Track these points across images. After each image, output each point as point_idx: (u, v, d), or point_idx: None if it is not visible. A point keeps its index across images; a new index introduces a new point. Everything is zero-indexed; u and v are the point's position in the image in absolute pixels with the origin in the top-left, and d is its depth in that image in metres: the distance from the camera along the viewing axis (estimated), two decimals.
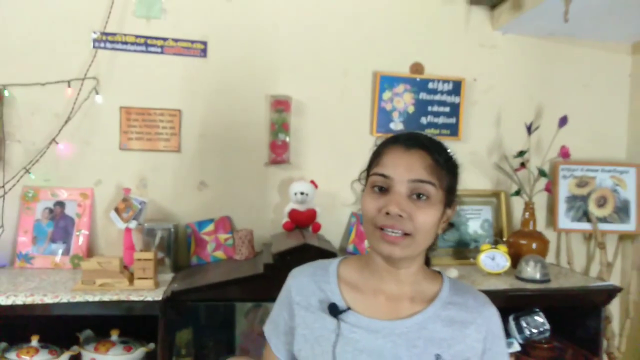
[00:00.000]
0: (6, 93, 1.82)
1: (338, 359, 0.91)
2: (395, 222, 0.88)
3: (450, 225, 0.99)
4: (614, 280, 2.22)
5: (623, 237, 2.26)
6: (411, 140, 0.93)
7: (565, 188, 2.20)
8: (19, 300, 1.46)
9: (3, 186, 1.81)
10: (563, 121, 2.06)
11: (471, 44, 2.14)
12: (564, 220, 2.19)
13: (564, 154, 2.08)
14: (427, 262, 1.02)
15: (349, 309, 0.95)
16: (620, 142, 2.29)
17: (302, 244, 1.63)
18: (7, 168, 1.82)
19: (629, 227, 2.18)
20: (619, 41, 2.24)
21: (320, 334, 0.95)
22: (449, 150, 0.96)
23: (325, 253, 1.59)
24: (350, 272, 1.01)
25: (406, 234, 0.89)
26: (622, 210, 2.19)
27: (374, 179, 0.93)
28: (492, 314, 0.97)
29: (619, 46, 2.26)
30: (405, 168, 0.89)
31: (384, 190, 0.91)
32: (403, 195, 0.89)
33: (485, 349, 0.94)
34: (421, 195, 0.89)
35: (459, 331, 0.94)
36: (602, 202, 2.19)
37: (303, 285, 1.01)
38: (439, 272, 1.03)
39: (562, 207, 2.19)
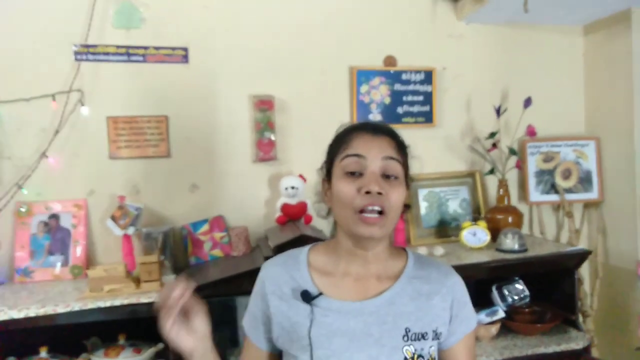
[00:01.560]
0: None
1: (313, 342, 0.94)
2: (375, 200, 0.92)
3: (407, 207, 1.02)
4: (582, 244, 2.40)
5: (588, 204, 2.43)
6: (376, 127, 1.01)
7: (533, 164, 2.35)
8: (32, 312, 1.48)
9: None
10: (527, 102, 2.21)
11: (439, 35, 2.26)
12: (535, 194, 2.35)
13: (531, 132, 2.22)
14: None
15: (320, 294, 0.97)
16: (579, 117, 2.45)
17: (299, 235, 1.72)
18: None
19: (593, 195, 2.36)
20: (571, 25, 2.40)
21: (296, 321, 0.97)
22: (402, 139, 1.04)
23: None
24: (319, 258, 1.04)
25: (380, 213, 0.93)
26: (585, 181, 2.36)
27: (346, 162, 0.96)
28: (455, 282, 1.03)
29: (572, 29, 2.42)
30: (377, 148, 0.96)
31: (357, 174, 0.95)
32: (378, 174, 0.94)
33: (452, 315, 1.01)
34: (391, 176, 0.96)
35: (425, 303, 0.99)
36: (567, 175, 2.36)
37: (275, 275, 1.03)
38: (404, 249, 1.08)
39: (532, 181, 2.35)
